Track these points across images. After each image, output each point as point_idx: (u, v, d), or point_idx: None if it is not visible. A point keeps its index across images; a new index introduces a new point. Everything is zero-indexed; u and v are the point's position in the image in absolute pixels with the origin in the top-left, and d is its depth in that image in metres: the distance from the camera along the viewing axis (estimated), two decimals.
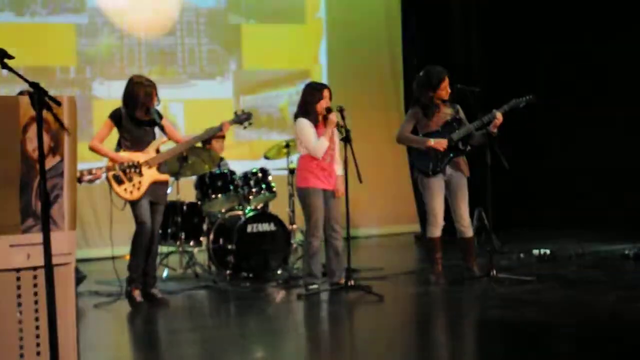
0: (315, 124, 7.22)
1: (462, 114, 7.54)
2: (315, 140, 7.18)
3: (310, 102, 7.22)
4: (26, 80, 3.54)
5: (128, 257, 6.93)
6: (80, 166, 4.50)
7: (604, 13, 11.41)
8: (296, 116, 7.31)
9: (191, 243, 8.48)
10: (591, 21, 11.54)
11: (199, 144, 7.61)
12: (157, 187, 6.91)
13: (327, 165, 7.27)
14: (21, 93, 6.36)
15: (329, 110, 7.16)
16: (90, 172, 6.16)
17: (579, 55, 11.64)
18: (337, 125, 7.15)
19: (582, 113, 11.50)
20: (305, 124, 7.21)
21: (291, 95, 11.73)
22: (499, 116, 7.29)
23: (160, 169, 6.92)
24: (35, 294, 3.71)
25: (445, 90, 7.39)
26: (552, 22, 12.04)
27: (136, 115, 6.81)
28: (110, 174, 6.70)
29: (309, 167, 7.25)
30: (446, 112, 7.49)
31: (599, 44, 11.45)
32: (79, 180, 6.26)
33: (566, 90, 11.64)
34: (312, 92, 7.26)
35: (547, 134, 12.05)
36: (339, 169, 7.29)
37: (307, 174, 7.25)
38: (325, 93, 7.23)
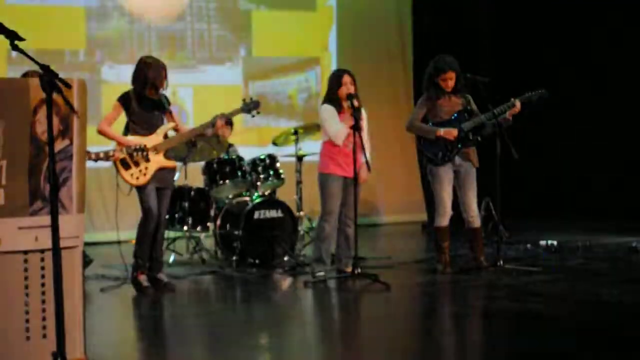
0: (340, 111, 7.20)
1: (473, 105, 7.50)
2: (336, 126, 7.16)
3: (331, 89, 7.24)
4: (37, 62, 3.53)
5: (134, 242, 6.93)
6: (90, 149, 4.50)
7: (613, 11, 11.38)
8: (323, 103, 7.32)
9: (198, 228, 8.48)
10: (601, 18, 11.52)
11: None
12: (164, 173, 6.88)
13: (350, 152, 7.21)
14: (26, 74, 6.35)
15: (349, 96, 7.13)
16: (107, 154, 6.15)
17: (588, 49, 11.62)
18: (353, 111, 7.11)
19: (593, 104, 11.49)
20: (327, 110, 7.22)
21: (300, 82, 11.72)
22: (517, 104, 7.26)
23: (167, 155, 6.90)
24: (43, 276, 3.72)
25: (446, 83, 7.34)
26: (563, 15, 12.01)
27: (145, 94, 6.79)
28: (117, 157, 6.68)
29: (330, 153, 7.23)
30: (457, 102, 7.46)
31: (609, 40, 11.43)
32: (96, 159, 6.26)
33: (576, 82, 11.62)
34: (332, 79, 7.29)
35: (556, 125, 12.03)
36: (363, 156, 7.16)
37: (327, 160, 7.24)
38: (345, 79, 7.20)
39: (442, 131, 7.31)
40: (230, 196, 8.51)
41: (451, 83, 7.34)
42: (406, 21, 12.50)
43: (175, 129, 7.01)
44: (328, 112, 7.22)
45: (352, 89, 7.18)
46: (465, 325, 5.74)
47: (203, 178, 8.47)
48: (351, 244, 7.26)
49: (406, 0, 12.48)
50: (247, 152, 9.04)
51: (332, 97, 7.24)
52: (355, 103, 7.10)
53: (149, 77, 6.74)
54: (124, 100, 6.82)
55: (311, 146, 9.11)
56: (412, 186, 12.31)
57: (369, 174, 7.24)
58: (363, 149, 6.93)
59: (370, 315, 6.19)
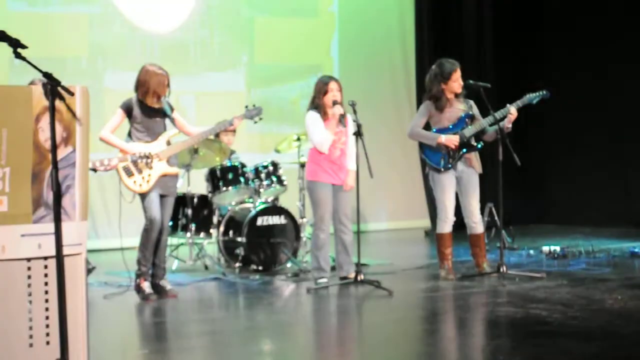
0: (325, 118, 7.23)
1: (475, 110, 7.50)
2: (320, 134, 7.19)
3: (317, 96, 7.26)
4: (39, 70, 3.54)
5: (137, 249, 6.93)
6: (92, 157, 4.51)
7: (617, 11, 11.38)
8: (308, 110, 7.33)
9: (201, 235, 8.49)
10: (604, 19, 11.52)
11: (211, 137, 7.61)
12: (167, 180, 6.89)
13: (337, 159, 7.26)
14: (32, 82, 6.37)
15: (334, 103, 7.17)
16: (102, 162, 6.14)
17: (590, 52, 11.62)
18: (340, 119, 7.17)
19: (595, 110, 11.48)
20: (312, 117, 7.26)
21: (302, 88, 11.73)
22: (513, 111, 7.27)
23: (170, 162, 6.91)
24: (46, 283, 3.71)
25: (457, 83, 7.34)
26: (565, 19, 12.02)
27: (147, 102, 6.80)
28: (120, 165, 6.69)
29: (316, 160, 7.28)
30: (459, 108, 7.46)
31: (611, 41, 11.42)
32: (94, 169, 6.26)
33: (578, 88, 11.61)
34: (319, 86, 7.31)
35: (558, 131, 12.03)
36: (350, 164, 7.28)
37: (315, 168, 7.29)
38: (332, 86, 7.23)
39: (443, 138, 7.30)
40: (233, 203, 8.52)
41: (460, 81, 7.34)
42: (408, 27, 12.51)
43: (187, 133, 7.03)
44: (312, 120, 7.24)
45: (338, 96, 7.21)
46: (468, 331, 5.73)
47: (206, 185, 8.48)
48: (349, 250, 7.29)
49: (409, 5, 12.50)
50: (250, 158, 9.05)
51: (318, 104, 7.26)
52: (341, 110, 7.15)
53: (151, 85, 6.76)
54: (126, 107, 6.83)
55: None
56: (414, 192, 12.31)
57: (370, 179, 7.25)
58: (366, 155, 6.94)
59: (373, 321, 6.18)
